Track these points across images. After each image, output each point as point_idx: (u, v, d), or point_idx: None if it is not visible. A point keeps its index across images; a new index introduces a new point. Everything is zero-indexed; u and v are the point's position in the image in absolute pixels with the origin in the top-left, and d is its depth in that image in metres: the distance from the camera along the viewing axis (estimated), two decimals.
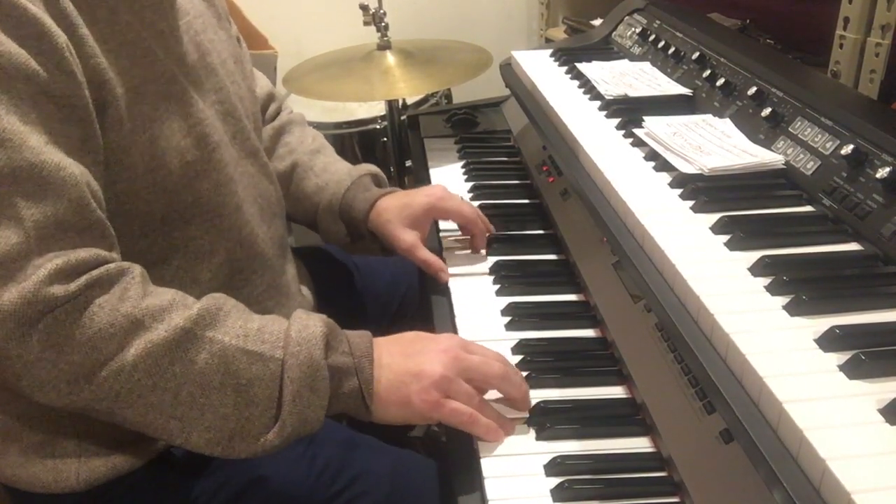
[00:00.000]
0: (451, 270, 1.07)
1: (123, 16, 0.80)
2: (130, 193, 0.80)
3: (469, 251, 1.12)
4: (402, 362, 0.79)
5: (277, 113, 1.24)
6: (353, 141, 1.98)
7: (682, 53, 1.24)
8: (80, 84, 0.73)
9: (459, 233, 1.15)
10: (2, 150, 0.67)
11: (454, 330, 0.96)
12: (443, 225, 1.18)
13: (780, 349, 0.65)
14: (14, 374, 0.69)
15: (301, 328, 0.77)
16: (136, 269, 0.75)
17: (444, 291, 1.04)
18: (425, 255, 1.06)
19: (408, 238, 1.07)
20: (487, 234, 1.13)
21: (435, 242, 1.15)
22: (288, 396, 0.73)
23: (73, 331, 0.68)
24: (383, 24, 1.77)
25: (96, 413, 0.73)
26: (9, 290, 0.66)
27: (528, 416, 0.81)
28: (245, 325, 0.76)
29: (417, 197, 1.10)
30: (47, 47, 0.71)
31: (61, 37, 0.72)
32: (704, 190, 0.89)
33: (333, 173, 1.15)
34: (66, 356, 0.68)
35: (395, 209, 1.09)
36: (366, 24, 1.78)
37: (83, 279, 0.69)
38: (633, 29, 1.43)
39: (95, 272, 0.70)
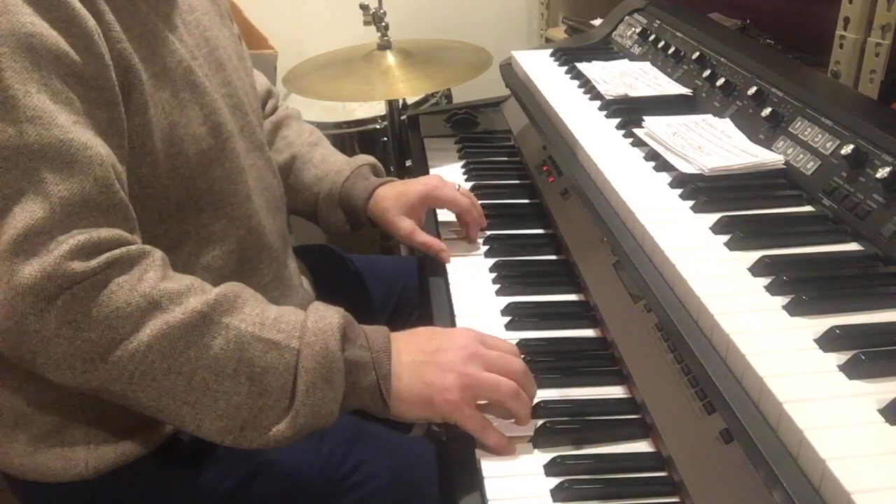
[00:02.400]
0: (451, 269, 1.07)
1: (142, 6, 0.82)
2: (151, 178, 0.82)
3: (468, 243, 1.14)
4: (421, 361, 0.78)
5: (275, 109, 1.25)
6: (353, 141, 1.98)
7: (682, 53, 1.24)
8: (108, 67, 0.75)
9: (457, 224, 1.17)
10: (31, 126, 0.68)
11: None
12: (441, 217, 1.20)
13: (780, 349, 0.65)
14: (30, 350, 0.69)
15: (318, 319, 0.76)
16: (157, 253, 0.75)
17: (444, 291, 1.04)
18: (424, 238, 1.09)
19: (406, 225, 1.10)
20: (495, 233, 1.15)
21: (433, 232, 1.16)
22: (301, 387, 0.73)
23: (90, 308, 0.69)
24: (383, 23, 1.77)
25: (110, 395, 0.73)
26: (30, 265, 0.67)
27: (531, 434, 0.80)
28: (262, 313, 0.76)
29: (414, 185, 1.13)
30: (77, 30, 0.72)
31: (90, 20, 0.73)
32: (704, 190, 0.89)
33: (332, 164, 1.18)
34: (82, 333, 0.69)
35: (392, 197, 1.12)
36: (366, 24, 1.78)
37: (104, 257, 0.70)
38: (633, 29, 1.43)
39: (116, 252, 0.71)
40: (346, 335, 0.76)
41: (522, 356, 0.89)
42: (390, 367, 0.77)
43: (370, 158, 1.21)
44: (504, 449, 0.77)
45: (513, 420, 0.80)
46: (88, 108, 0.73)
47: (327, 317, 0.77)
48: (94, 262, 0.69)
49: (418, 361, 0.78)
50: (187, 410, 0.72)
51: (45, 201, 0.68)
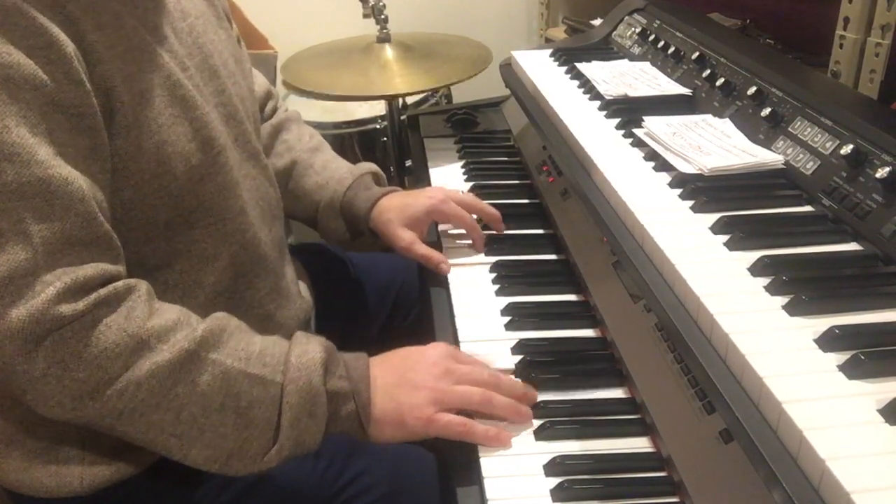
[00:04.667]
0: (451, 270, 1.07)
1: (128, 20, 0.80)
2: (136, 200, 0.81)
3: (468, 246, 1.13)
4: (394, 382, 0.81)
5: (274, 110, 1.24)
6: (353, 141, 1.98)
7: (682, 53, 1.24)
8: (89, 93, 0.73)
9: (460, 230, 1.16)
10: (10, 165, 0.67)
11: (454, 329, 0.96)
12: (442, 225, 1.19)
13: (780, 349, 0.65)
14: (19, 388, 0.69)
15: (301, 353, 0.78)
16: (143, 287, 0.75)
17: (444, 291, 1.04)
18: (424, 249, 1.08)
19: (406, 236, 1.08)
20: (496, 233, 1.15)
21: (434, 239, 1.15)
22: (286, 421, 0.75)
23: (79, 349, 0.69)
24: (382, 16, 1.77)
25: (98, 427, 0.74)
26: (17, 308, 0.67)
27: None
28: (247, 347, 0.77)
29: (419, 198, 1.12)
30: (56, 57, 0.70)
31: (69, 46, 0.72)
32: (704, 190, 0.89)
33: (334, 171, 1.16)
34: (71, 373, 0.69)
35: (396, 209, 1.11)
36: (365, 16, 1.78)
37: (91, 298, 0.70)
38: (632, 29, 1.43)
39: (103, 291, 0.71)
40: (327, 368, 0.78)
41: (522, 356, 0.90)
42: (369, 396, 0.79)
43: (372, 166, 1.19)
44: (496, 439, 0.78)
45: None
46: (69, 136, 0.72)
47: (310, 350, 0.79)
48: (81, 304, 0.69)
49: (391, 384, 0.81)
50: (175, 442, 0.74)
51: (26, 242, 0.68)
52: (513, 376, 0.87)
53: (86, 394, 0.70)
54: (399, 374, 0.82)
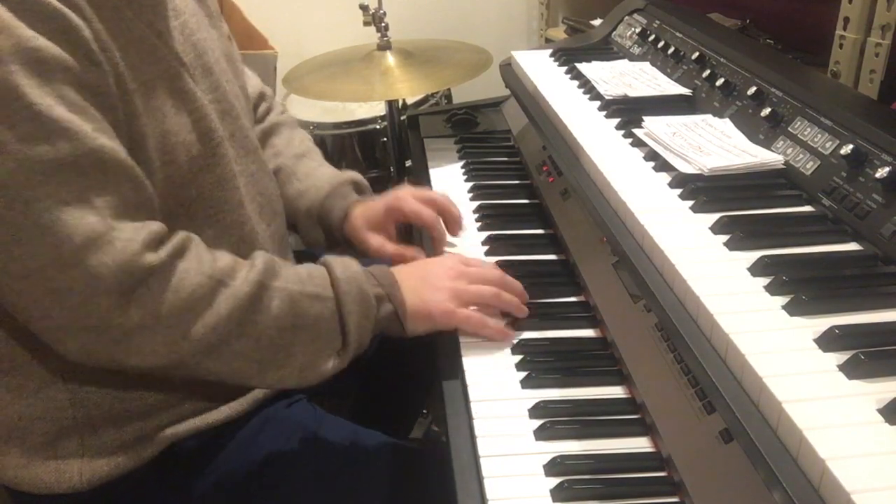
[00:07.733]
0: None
1: (126, 13, 0.81)
2: None
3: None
4: (420, 285, 0.91)
5: (267, 113, 1.22)
6: (353, 141, 1.98)
7: (682, 53, 1.24)
8: (107, 73, 0.76)
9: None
10: (62, 139, 0.70)
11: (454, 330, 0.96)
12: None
13: (780, 349, 0.65)
14: (112, 341, 0.73)
15: (343, 268, 0.87)
16: (196, 237, 0.82)
17: None
18: (394, 248, 1.07)
19: (374, 240, 1.08)
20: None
21: (416, 238, 1.13)
22: (352, 326, 0.84)
23: (168, 296, 0.74)
24: (383, 24, 1.77)
25: (184, 369, 0.78)
26: (107, 264, 0.70)
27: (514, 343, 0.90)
28: (297, 273, 0.85)
29: (379, 199, 1.11)
30: (75, 39, 0.72)
31: (85, 29, 0.73)
32: (704, 190, 0.89)
33: (316, 179, 1.14)
34: (163, 321, 0.74)
35: (361, 215, 1.10)
36: (366, 24, 1.78)
37: (168, 247, 0.76)
38: (632, 29, 1.43)
39: (175, 240, 0.77)
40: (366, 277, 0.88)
41: (522, 356, 0.90)
42: (402, 296, 0.89)
43: (355, 175, 1.17)
44: (503, 335, 0.91)
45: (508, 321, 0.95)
46: (98, 114, 0.74)
47: (349, 265, 0.88)
48: (164, 252, 0.75)
49: (416, 285, 0.91)
50: (255, 367, 0.80)
51: (91, 209, 0.71)
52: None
53: (179, 337, 0.75)
54: (420, 278, 0.92)
